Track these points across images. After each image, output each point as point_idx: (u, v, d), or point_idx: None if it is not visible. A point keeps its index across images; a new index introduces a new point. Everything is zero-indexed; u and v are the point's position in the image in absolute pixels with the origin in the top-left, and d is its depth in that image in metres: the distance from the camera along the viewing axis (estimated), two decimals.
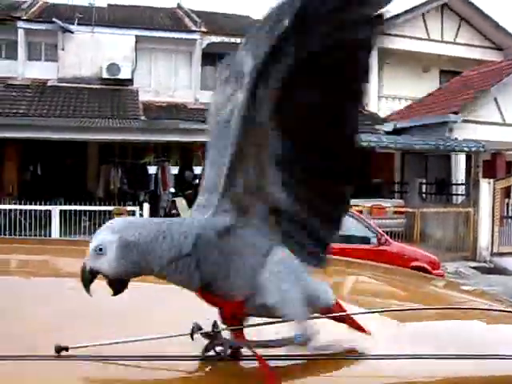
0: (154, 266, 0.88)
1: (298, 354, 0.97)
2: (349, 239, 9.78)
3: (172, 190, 17.32)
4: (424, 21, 23.18)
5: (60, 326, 1.07)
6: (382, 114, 22.01)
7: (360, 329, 1.10)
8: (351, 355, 1.01)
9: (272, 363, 0.91)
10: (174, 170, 17.29)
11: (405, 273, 2.31)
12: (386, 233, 10.66)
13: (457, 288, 1.98)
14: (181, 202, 17.18)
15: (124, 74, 20.29)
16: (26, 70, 20.33)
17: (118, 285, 0.90)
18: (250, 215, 0.86)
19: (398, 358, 1.02)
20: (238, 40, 21.26)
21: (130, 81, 20.61)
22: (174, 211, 17.02)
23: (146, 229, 0.89)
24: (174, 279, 0.91)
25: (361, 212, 12.66)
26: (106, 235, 0.88)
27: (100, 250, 0.88)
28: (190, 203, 18.11)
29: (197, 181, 17.68)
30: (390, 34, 22.29)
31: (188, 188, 17.97)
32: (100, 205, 14.59)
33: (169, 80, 22.00)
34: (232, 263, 0.87)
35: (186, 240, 0.88)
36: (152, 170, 17.01)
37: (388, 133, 19.41)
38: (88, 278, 0.89)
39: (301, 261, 0.91)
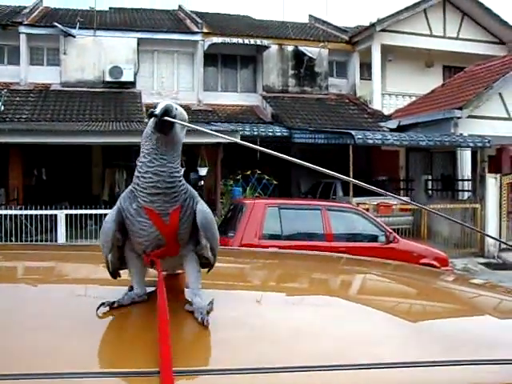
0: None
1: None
2: (357, 237, 9.75)
3: None
4: (426, 17, 23.07)
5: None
6: (386, 111, 21.95)
7: None
8: (348, 365, 0.93)
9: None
10: None
11: (414, 269, 2.25)
12: (394, 230, 10.61)
13: (468, 282, 1.92)
14: None
15: (126, 77, 20.27)
16: (29, 74, 20.33)
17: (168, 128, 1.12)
18: None
19: (402, 365, 0.94)
20: (240, 40, 21.26)
21: (133, 83, 20.59)
22: None
23: None
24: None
25: (367, 210, 12.61)
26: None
27: (176, 109, 1.12)
28: None
29: (202, 182, 17.63)
30: (392, 31, 22.26)
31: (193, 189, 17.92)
32: (105, 208, 14.57)
33: (171, 82, 21.96)
34: None
35: None
36: None
37: (392, 130, 19.36)
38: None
39: None
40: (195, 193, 1.23)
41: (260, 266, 1.94)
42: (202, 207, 1.21)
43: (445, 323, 1.28)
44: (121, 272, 1.29)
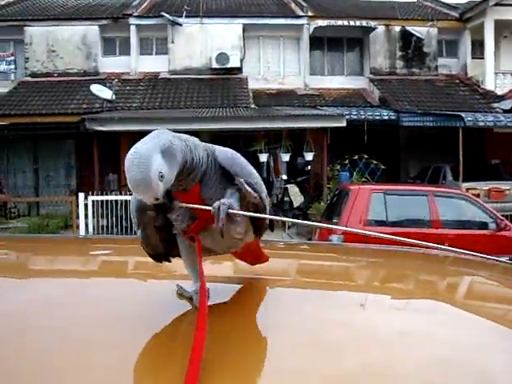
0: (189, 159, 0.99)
1: None
2: (465, 225, 9.40)
3: (284, 176, 17.29)
4: None
5: None
6: (500, 92, 20.95)
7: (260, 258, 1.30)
8: None
9: None
10: (286, 157, 17.25)
11: None
12: (506, 217, 10.16)
13: None
14: (293, 189, 17.15)
15: (233, 63, 20.45)
16: (139, 64, 20.95)
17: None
18: None
19: None
20: (346, 22, 20.95)
21: (239, 69, 20.75)
22: (286, 198, 17.01)
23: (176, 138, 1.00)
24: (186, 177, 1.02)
25: (478, 195, 12.15)
26: (156, 159, 0.92)
27: (161, 177, 0.93)
28: (303, 190, 18.05)
29: (309, 167, 17.56)
30: (507, 4, 21.09)
31: (300, 175, 17.90)
32: None
33: (277, 67, 21.95)
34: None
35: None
36: (263, 157, 17.04)
37: (506, 111, 18.49)
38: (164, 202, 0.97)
39: None
40: (213, 147, 1.10)
41: (362, 265, 1.85)
42: (221, 149, 1.09)
43: None
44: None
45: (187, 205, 1.01)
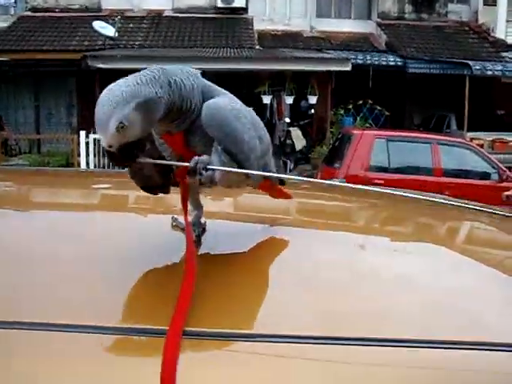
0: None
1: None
2: (467, 174, 9.39)
3: (287, 119, 17.16)
4: None
5: None
6: (511, 40, 20.60)
7: (282, 194, 1.27)
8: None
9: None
10: (289, 100, 17.10)
11: None
12: (509, 168, 10.12)
13: None
14: (296, 132, 17.08)
15: (238, 3, 20.07)
16: (142, 1, 20.51)
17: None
18: None
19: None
20: None
21: (245, 9, 20.39)
22: (288, 141, 16.96)
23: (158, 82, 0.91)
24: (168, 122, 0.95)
25: (482, 146, 12.08)
26: (122, 109, 0.84)
27: (121, 128, 0.84)
28: (306, 133, 17.96)
29: (312, 110, 17.44)
30: None
31: (303, 118, 17.77)
32: None
33: (284, 8, 21.54)
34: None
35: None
36: (267, 99, 16.90)
37: None
38: (121, 155, 0.89)
39: None
40: (212, 94, 0.99)
41: (364, 206, 1.82)
42: (211, 100, 0.97)
43: None
44: None
45: (148, 160, 0.96)
